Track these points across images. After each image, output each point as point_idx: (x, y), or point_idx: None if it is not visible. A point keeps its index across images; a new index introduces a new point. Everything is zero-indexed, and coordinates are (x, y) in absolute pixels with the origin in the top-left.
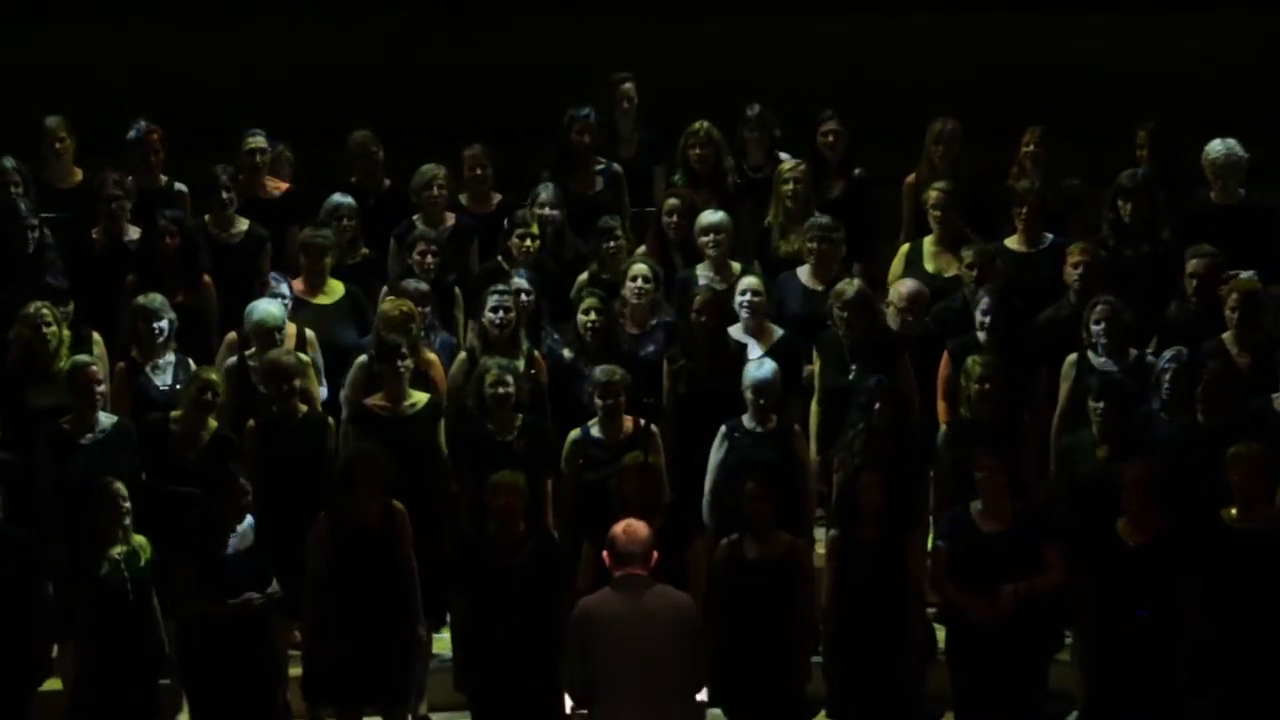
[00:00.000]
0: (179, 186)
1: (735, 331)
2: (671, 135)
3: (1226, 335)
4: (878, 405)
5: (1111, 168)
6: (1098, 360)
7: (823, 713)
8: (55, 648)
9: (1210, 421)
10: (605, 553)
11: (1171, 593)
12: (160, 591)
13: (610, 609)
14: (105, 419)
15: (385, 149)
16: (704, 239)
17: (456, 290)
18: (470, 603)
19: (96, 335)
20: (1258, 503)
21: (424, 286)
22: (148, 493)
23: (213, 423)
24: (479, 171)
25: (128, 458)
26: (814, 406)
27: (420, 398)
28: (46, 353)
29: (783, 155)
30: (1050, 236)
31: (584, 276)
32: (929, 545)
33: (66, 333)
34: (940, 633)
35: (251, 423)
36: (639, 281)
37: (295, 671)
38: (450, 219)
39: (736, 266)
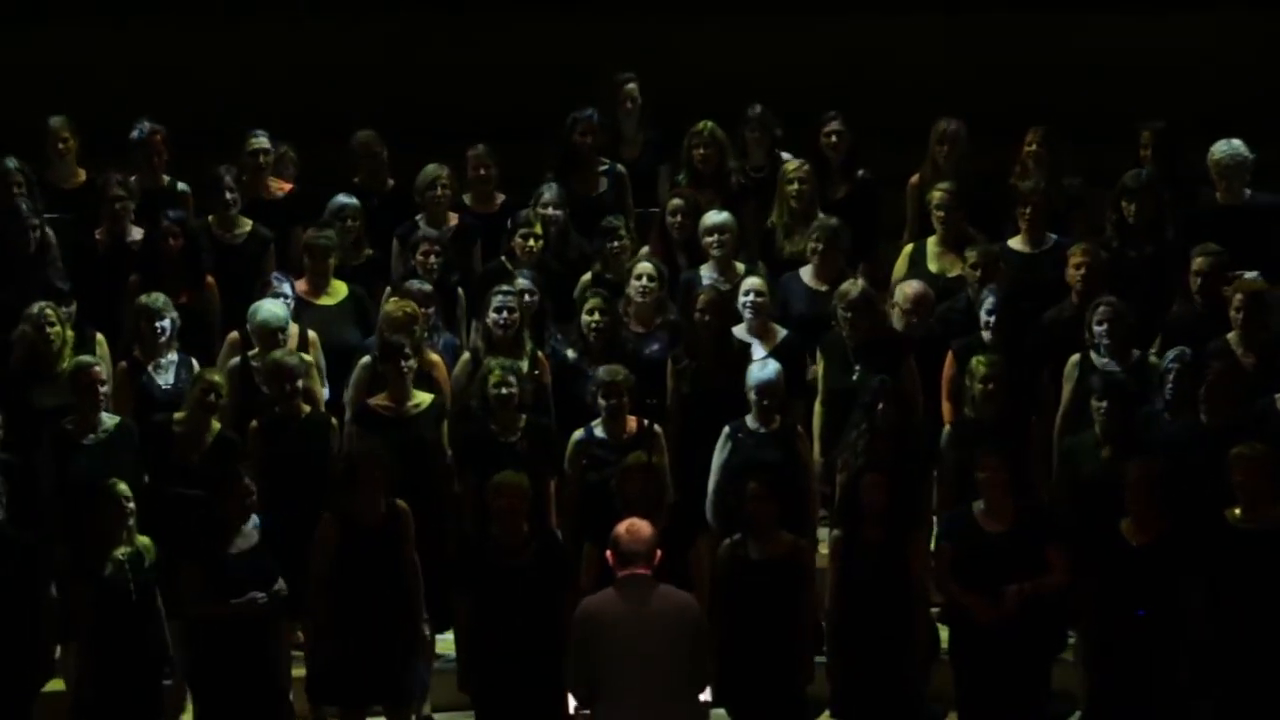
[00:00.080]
0: (182, 187)
1: (739, 332)
2: (671, 135)
3: (1231, 335)
4: (881, 406)
5: (1111, 167)
6: (1100, 361)
7: (826, 713)
8: (58, 648)
9: (1213, 422)
10: (608, 553)
11: (1174, 593)
12: (164, 592)
13: (613, 609)
14: (108, 419)
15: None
16: (708, 239)
17: (460, 291)
18: (473, 603)
19: (100, 336)
20: (1261, 503)
21: (427, 287)
22: (151, 495)
23: (216, 424)
24: (483, 172)
25: (130, 458)
26: (817, 407)
27: (424, 398)
28: (50, 353)
29: (784, 155)
30: (1054, 237)
31: (588, 276)
32: (932, 545)
33: (70, 333)
34: (943, 633)
35: (255, 423)
36: (644, 280)
37: (298, 672)
38: (453, 219)
39: (740, 267)
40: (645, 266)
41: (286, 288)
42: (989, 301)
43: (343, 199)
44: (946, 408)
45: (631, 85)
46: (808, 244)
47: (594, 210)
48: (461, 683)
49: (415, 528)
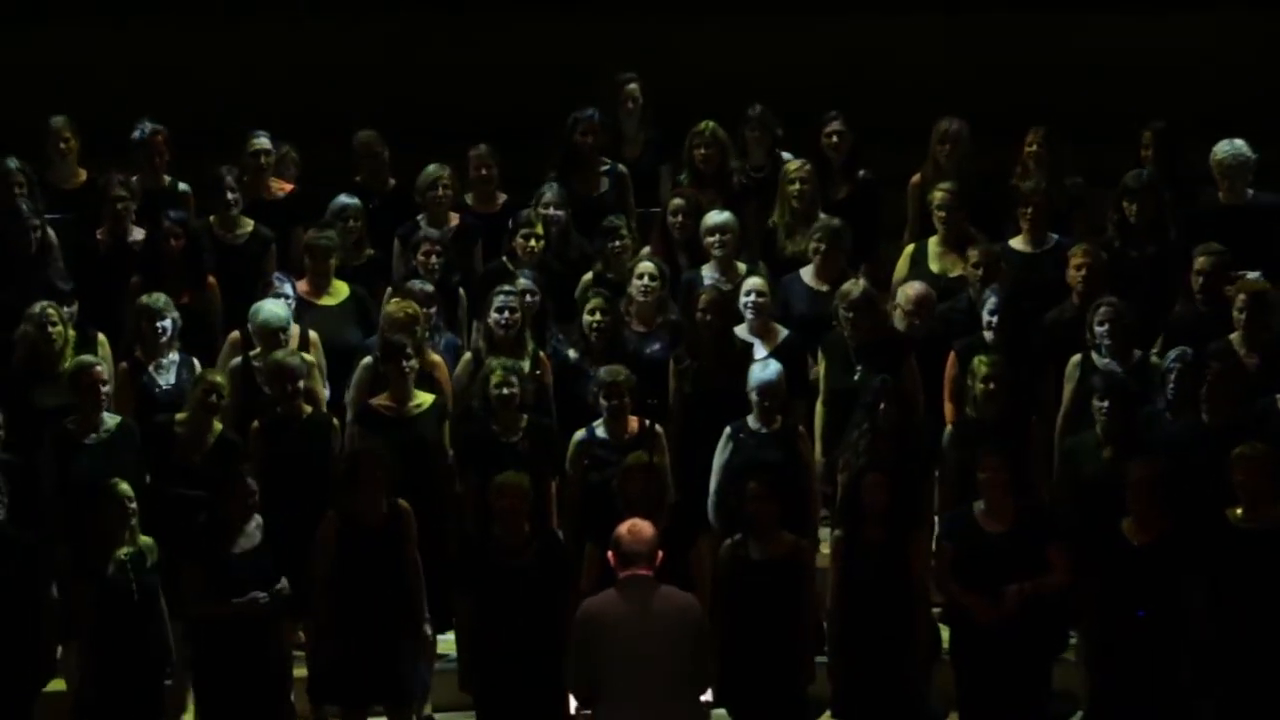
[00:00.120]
0: (183, 187)
1: (740, 332)
2: (671, 135)
3: (1234, 336)
4: (883, 406)
5: (1112, 167)
6: (1101, 361)
7: (827, 713)
8: (60, 648)
9: (1215, 421)
10: (610, 553)
11: (1176, 593)
12: (166, 593)
13: (615, 609)
14: (109, 419)
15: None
16: (709, 239)
17: (461, 291)
18: (475, 603)
19: (101, 336)
20: (1262, 503)
21: (429, 287)
22: (153, 496)
23: (218, 425)
24: (484, 172)
25: (132, 458)
26: (819, 407)
27: (425, 398)
28: (52, 353)
29: (785, 155)
30: (1055, 237)
31: (589, 276)
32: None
33: (72, 333)
34: (944, 633)
35: (256, 424)
36: (646, 279)
37: (299, 672)
38: (455, 219)
39: (742, 267)
40: (647, 265)
41: (288, 288)
42: (991, 302)
43: (344, 199)
44: (949, 408)
45: (633, 85)
46: (809, 244)
47: (595, 210)
48: (463, 683)
49: (417, 528)
